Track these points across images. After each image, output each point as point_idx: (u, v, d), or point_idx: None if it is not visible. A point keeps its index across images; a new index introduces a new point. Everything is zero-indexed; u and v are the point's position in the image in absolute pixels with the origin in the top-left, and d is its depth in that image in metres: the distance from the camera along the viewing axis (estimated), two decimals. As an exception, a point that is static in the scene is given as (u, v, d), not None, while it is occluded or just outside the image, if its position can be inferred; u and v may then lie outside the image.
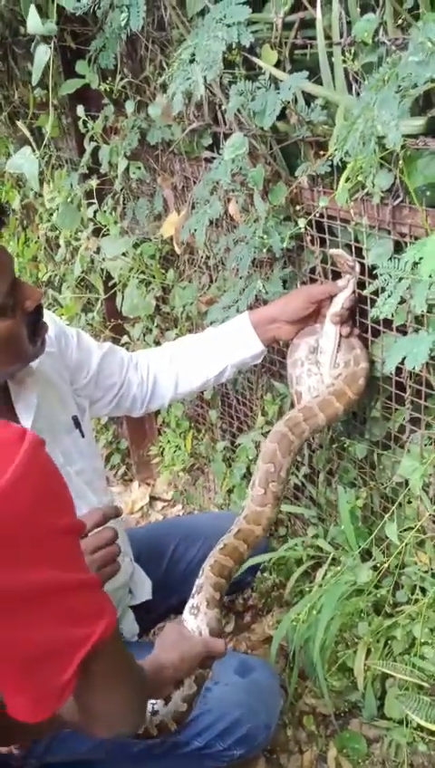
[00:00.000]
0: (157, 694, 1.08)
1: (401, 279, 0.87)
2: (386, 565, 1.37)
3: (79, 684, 0.74)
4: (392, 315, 1.17)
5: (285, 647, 1.64)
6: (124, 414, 1.54)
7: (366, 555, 1.47)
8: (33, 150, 1.54)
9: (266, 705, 1.30)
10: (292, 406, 1.69)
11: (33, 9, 1.49)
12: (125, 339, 2.19)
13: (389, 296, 0.89)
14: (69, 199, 1.94)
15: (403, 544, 1.32)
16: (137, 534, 1.55)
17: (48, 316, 1.31)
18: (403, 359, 0.95)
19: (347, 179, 0.98)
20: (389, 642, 1.41)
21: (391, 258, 1.03)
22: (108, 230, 1.93)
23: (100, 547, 0.99)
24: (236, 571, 1.26)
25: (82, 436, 1.32)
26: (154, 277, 1.94)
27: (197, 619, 1.17)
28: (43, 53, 1.51)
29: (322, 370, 1.36)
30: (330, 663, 1.48)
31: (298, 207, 1.35)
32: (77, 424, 1.32)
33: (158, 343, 2.13)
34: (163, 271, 1.95)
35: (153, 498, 2.50)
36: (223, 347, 1.45)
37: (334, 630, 1.41)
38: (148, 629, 1.57)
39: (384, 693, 1.45)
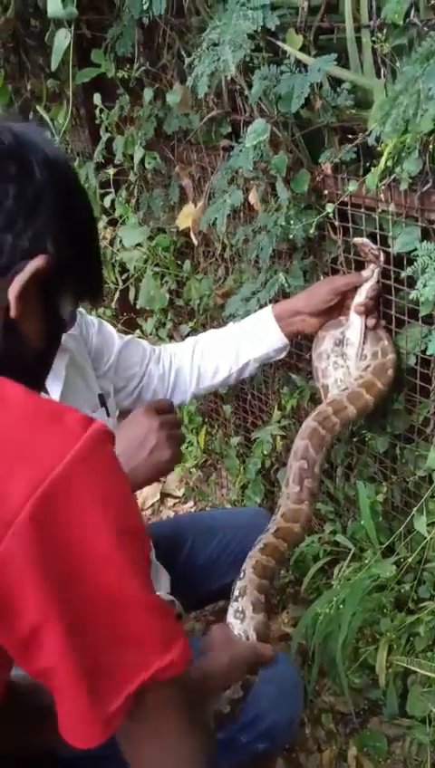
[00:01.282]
0: (207, 698, 1.01)
1: (441, 260, 0.85)
2: (409, 560, 1.35)
3: (129, 727, 0.66)
4: (419, 305, 1.15)
5: (302, 644, 1.62)
6: None
7: (387, 551, 1.45)
8: (53, 135, 1.51)
9: (290, 700, 1.27)
10: (311, 399, 1.67)
11: (53, -7, 1.47)
12: (137, 333, 2.17)
13: (430, 278, 0.87)
14: (85, 188, 1.92)
15: (428, 539, 1.29)
16: (153, 530, 1.52)
17: None
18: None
19: (387, 160, 0.95)
20: (411, 639, 1.39)
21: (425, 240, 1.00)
22: (124, 220, 1.91)
23: (161, 410, 1.03)
24: (278, 572, 1.22)
25: (108, 415, 1.31)
26: (168, 269, 1.92)
27: (243, 623, 1.13)
28: (62, 38, 1.49)
29: (348, 363, 1.34)
30: (350, 660, 1.46)
31: (325, 193, 1.32)
32: (102, 402, 1.31)
33: (171, 337, 2.11)
34: (178, 263, 1.93)
35: (164, 495, 2.47)
36: (245, 341, 1.43)
37: (356, 626, 1.39)
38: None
39: (406, 691, 1.43)
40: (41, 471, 0.60)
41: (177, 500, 2.44)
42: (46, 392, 1.19)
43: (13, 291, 0.70)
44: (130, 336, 1.45)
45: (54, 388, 1.19)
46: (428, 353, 1.09)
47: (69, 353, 1.26)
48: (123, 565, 0.64)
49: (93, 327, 1.38)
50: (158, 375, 1.44)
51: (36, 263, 0.71)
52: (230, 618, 1.15)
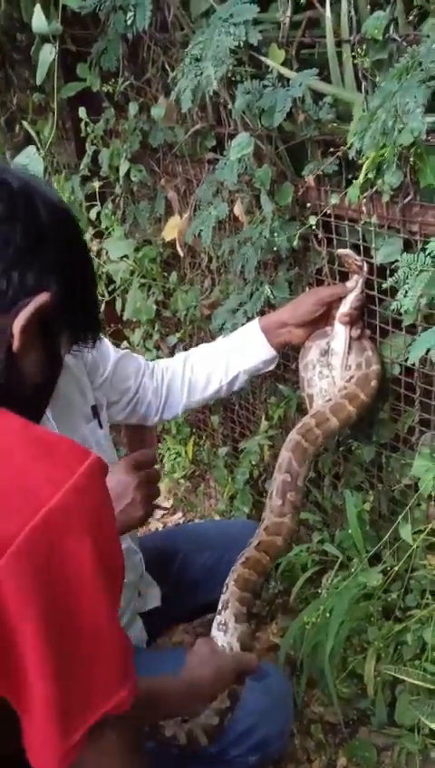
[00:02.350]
0: (192, 711, 1.04)
1: (420, 271, 0.86)
2: (396, 569, 1.36)
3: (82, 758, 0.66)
4: (402, 315, 1.16)
5: (291, 654, 1.62)
6: (139, 421, 1.54)
7: (374, 559, 1.45)
8: (38, 149, 1.52)
9: (281, 712, 1.28)
10: (298, 409, 1.68)
11: (38, 9, 1.49)
12: (124, 344, 2.17)
13: (409, 289, 0.88)
14: (71, 201, 1.93)
15: (413, 547, 1.30)
16: (144, 542, 1.52)
17: None
18: (428, 350, 0.93)
19: (366, 172, 0.97)
20: (399, 647, 1.39)
21: (407, 251, 1.02)
22: (110, 232, 1.92)
23: (143, 464, 1.02)
24: (261, 584, 1.24)
25: (101, 427, 1.32)
26: (155, 281, 1.93)
27: (226, 635, 1.15)
28: (47, 53, 1.50)
29: (333, 373, 1.35)
30: (339, 670, 1.46)
31: (308, 205, 1.34)
32: (96, 414, 1.32)
33: (158, 348, 2.11)
34: (165, 274, 1.94)
35: (153, 506, 2.47)
36: (234, 354, 1.45)
37: (344, 636, 1.39)
38: (155, 638, 1.54)
39: (394, 700, 1.43)
40: (35, 503, 0.61)
41: (165, 511, 2.44)
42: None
43: (17, 324, 0.72)
44: (125, 350, 1.47)
45: (49, 405, 1.20)
46: (409, 362, 1.10)
47: (64, 366, 1.27)
48: (104, 601, 0.65)
49: None
50: (152, 388, 1.46)
51: (41, 298, 0.73)
52: (214, 631, 1.17)
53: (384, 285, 1.08)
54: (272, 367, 1.47)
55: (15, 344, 0.73)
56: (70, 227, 0.80)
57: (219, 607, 1.19)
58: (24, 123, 1.80)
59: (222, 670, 1.03)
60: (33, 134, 1.73)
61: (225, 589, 1.21)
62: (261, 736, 1.24)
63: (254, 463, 1.84)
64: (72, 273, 0.78)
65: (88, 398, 1.33)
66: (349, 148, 1.04)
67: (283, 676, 1.39)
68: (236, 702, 1.12)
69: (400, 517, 1.28)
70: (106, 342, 1.44)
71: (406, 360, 1.23)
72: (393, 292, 1.12)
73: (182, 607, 1.51)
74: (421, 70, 0.84)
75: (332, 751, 1.50)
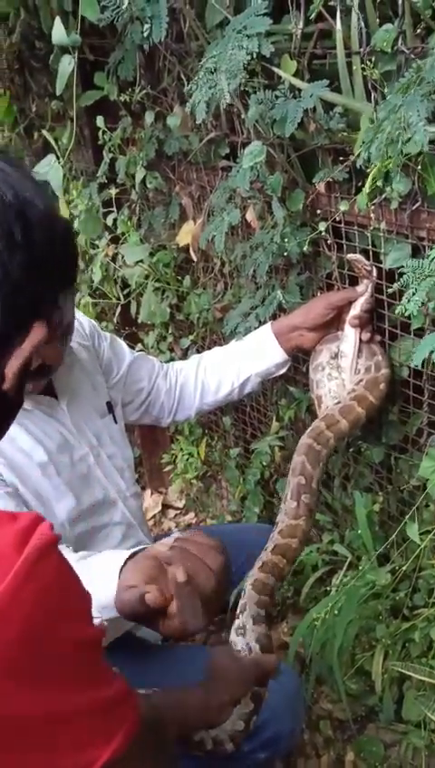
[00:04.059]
0: (217, 720, 1.02)
1: (426, 277, 0.89)
2: (404, 568, 1.38)
3: None
4: (411, 318, 1.19)
5: (300, 652, 1.65)
6: (152, 422, 1.59)
7: (383, 559, 1.48)
8: (58, 158, 1.57)
9: (292, 709, 1.29)
10: (308, 411, 1.71)
11: (58, 21, 1.53)
12: (139, 347, 2.22)
13: (413, 294, 0.91)
14: (89, 207, 1.98)
15: (421, 547, 1.33)
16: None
17: (82, 316, 1.43)
18: (431, 352, 0.96)
19: (373, 180, 1.00)
20: (406, 645, 1.42)
21: (415, 257, 1.05)
22: (126, 238, 1.96)
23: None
24: (278, 588, 1.24)
25: (115, 422, 1.36)
26: (169, 285, 1.97)
27: (245, 637, 1.15)
28: (66, 64, 1.55)
29: (343, 375, 1.38)
30: (347, 667, 1.48)
31: (317, 212, 1.37)
32: (110, 409, 1.37)
33: (171, 350, 2.15)
34: (179, 278, 1.98)
35: (165, 506, 2.51)
36: (246, 357, 1.49)
37: (352, 634, 1.42)
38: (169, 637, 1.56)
39: (402, 697, 1.46)
40: None
41: (178, 511, 2.48)
42: (55, 396, 1.27)
43: (12, 366, 0.66)
44: (140, 352, 1.51)
45: (62, 393, 1.27)
46: (413, 365, 1.13)
47: (78, 362, 1.33)
48: (78, 678, 0.63)
49: (106, 341, 1.45)
50: (165, 390, 1.51)
51: (37, 335, 0.67)
52: (232, 636, 1.17)
53: (390, 290, 1.10)
54: (284, 370, 1.50)
55: (6, 385, 0.66)
56: (67, 245, 0.74)
57: (237, 611, 1.19)
58: (45, 133, 1.85)
59: (242, 675, 1.02)
60: (51, 141, 1.78)
61: (242, 593, 1.21)
62: (272, 733, 1.26)
63: (265, 464, 1.87)
64: (65, 293, 0.73)
65: (102, 395, 1.38)
66: (357, 158, 1.07)
67: (295, 673, 1.41)
68: (261, 704, 1.11)
69: (407, 517, 1.31)
70: (121, 344, 1.49)
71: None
72: (401, 296, 1.15)
73: None
74: (428, 83, 0.87)
75: (340, 746, 1.52)
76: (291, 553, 1.26)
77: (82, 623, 0.63)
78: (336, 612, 1.39)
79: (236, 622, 1.18)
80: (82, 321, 1.44)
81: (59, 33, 1.53)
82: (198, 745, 1.05)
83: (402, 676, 1.42)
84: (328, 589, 1.57)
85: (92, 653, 0.65)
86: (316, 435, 1.32)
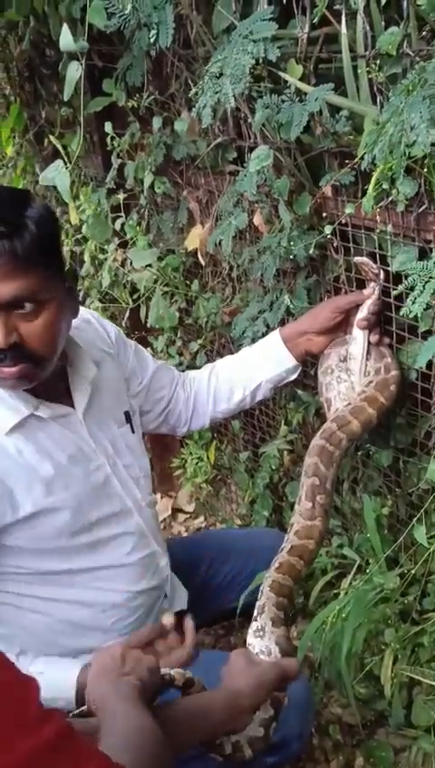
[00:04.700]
0: (237, 726, 1.00)
1: (429, 279, 0.89)
2: (413, 572, 1.38)
3: None
4: (418, 320, 1.19)
5: (309, 657, 1.64)
6: (169, 431, 1.60)
7: (392, 563, 1.47)
8: (66, 164, 1.58)
9: (300, 715, 1.28)
10: (316, 414, 1.71)
11: (65, 28, 1.54)
12: (148, 351, 2.22)
13: (418, 295, 0.91)
14: (97, 212, 1.99)
15: (430, 551, 1.32)
16: (172, 546, 1.54)
17: (108, 324, 1.46)
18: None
19: (377, 183, 1.00)
20: (416, 649, 1.41)
21: (422, 259, 1.05)
22: (135, 242, 1.98)
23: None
24: (296, 590, 1.22)
25: (133, 431, 1.37)
26: (178, 289, 1.98)
27: (264, 639, 1.13)
28: (74, 70, 1.56)
29: (352, 378, 1.38)
30: (356, 671, 1.48)
31: (324, 215, 1.37)
32: (128, 419, 1.38)
33: (180, 354, 2.16)
34: (187, 283, 1.99)
35: (175, 510, 2.51)
36: (256, 364, 1.49)
37: (361, 638, 1.41)
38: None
39: (411, 701, 1.45)
40: None
41: (187, 515, 2.48)
42: (72, 404, 1.27)
43: None
44: (161, 361, 1.53)
45: (80, 400, 1.28)
46: (416, 366, 1.13)
47: (99, 371, 1.33)
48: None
49: (131, 348, 1.47)
50: (183, 399, 1.53)
51: None
52: (250, 638, 1.15)
53: (395, 291, 1.10)
54: (295, 376, 1.50)
55: None
56: None
57: (255, 613, 1.17)
58: (53, 139, 1.86)
59: (261, 680, 0.99)
60: (59, 147, 1.79)
61: (260, 594, 1.20)
62: (280, 738, 1.23)
63: (274, 467, 1.87)
64: None
65: (122, 402, 1.38)
66: (360, 160, 1.07)
67: (304, 678, 1.40)
68: (280, 709, 1.09)
69: (414, 520, 1.30)
70: (145, 352, 1.51)
71: (427, 367, 1.25)
72: (407, 298, 1.15)
73: (206, 611, 1.53)
74: (431, 85, 0.87)
75: (349, 751, 1.52)
76: (308, 554, 1.25)
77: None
78: (345, 616, 1.38)
79: (254, 624, 1.16)
80: (108, 328, 1.45)
81: (66, 39, 1.54)
82: (217, 749, 1.03)
83: (412, 681, 1.41)
84: (337, 592, 1.57)
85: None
86: (328, 436, 1.31)
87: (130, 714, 0.85)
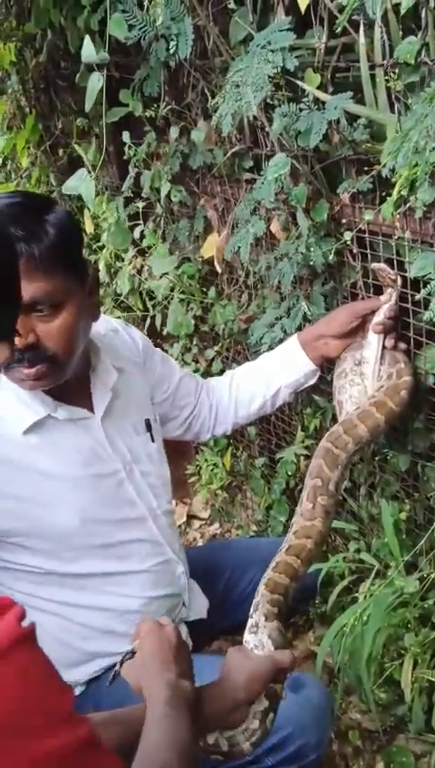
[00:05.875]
0: (233, 720, 1.03)
1: (452, 284, 0.90)
2: (432, 576, 1.38)
3: None
4: (436, 326, 1.20)
5: (328, 663, 1.64)
6: (193, 438, 1.64)
7: (411, 568, 1.47)
8: (89, 172, 1.60)
9: (318, 723, 1.27)
10: (333, 420, 1.71)
11: (87, 40, 1.57)
12: (164, 358, 2.24)
13: (441, 300, 0.92)
14: (117, 220, 2.02)
15: (450, 554, 1.32)
16: (192, 554, 1.55)
17: (136, 331, 1.48)
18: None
19: (399, 190, 1.02)
20: (436, 654, 1.41)
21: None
22: (153, 250, 2.00)
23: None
24: (293, 589, 1.23)
25: (153, 440, 1.38)
26: (194, 296, 1.99)
27: (257, 634, 1.14)
28: (96, 81, 1.59)
29: (365, 382, 1.38)
30: (376, 676, 1.48)
31: (342, 222, 1.38)
32: (148, 427, 1.38)
33: (196, 361, 2.17)
34: (204, 290, 2.00)
35: (190, 517, 2.52)
36: (275, 369, 1.51)
37: (381, 642, 1.41)
38: (199, 649, 1.56)
39: (432, 706, 1.44)
40: None
41: (203, 521, 2.48)
42: (92, 409, 1.29)
43: None
44: (186, 370, 1.56)
45: (100, 405, 1.29)
46: (431, 370, 1.13)
47: (123, 378, 1.34)
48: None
49: (158, 356, 1.49)
50: (207, 406, 1.55)
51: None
52: (246, 635, 1.16)
53: (417, 297, 1.11)
54: (313, 381, 1.51)
55: None
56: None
57: (251, 611, 1.19)
58: (76, 147, 1.89)
59: (255, 671, 1.01)
60: (83, 156, 1.82)
61: (256, 593, 1.21)
62: (297, 747, 1.23)
63: (290, 473, 1.87)
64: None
65: (144, 411, 1.39)
66: (383, 167, 1.09)
67: (321, 685, 1.39)
68: (276, 701, 1.09)
69: (433, 524, 1.31)
70: (172, 360, 1.53)
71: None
72: (427, 304, 1.16)
73: (225, 621, 1.53)
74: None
75: (369, 757, 1.51)
76: (306, 554, 1.25)
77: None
78: (364, 621, 1.39)
79: (250, 621, 1.17)
80: (136, 337, 1.47)
81: (88, 51, 1.57)
82: (214, 748, 1.04)
83: (432, 685, 1.41)
84: (355, 597, 1.57)
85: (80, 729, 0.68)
86: (334, 438, 1.32)
87: (183, 719, 0.88)
